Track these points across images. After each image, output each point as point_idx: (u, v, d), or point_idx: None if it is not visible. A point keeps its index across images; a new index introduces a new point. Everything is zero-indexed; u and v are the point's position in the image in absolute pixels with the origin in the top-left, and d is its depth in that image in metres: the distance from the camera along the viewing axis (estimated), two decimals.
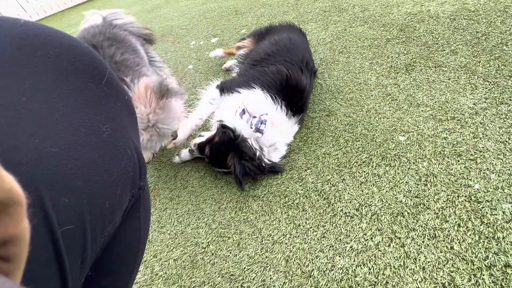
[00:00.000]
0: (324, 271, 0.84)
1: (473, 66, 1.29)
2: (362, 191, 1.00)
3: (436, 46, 1.47)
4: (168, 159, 1.44)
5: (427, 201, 0.91)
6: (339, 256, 0.86)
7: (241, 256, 0.95)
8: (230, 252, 0.97)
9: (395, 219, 0.90)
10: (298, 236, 0.95)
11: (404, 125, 1.16)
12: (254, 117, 1.22)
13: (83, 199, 0.33)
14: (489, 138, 1.01)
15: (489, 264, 0.74)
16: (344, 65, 1.58)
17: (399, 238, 0.85)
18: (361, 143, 1.16)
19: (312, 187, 1.07)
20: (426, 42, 1.52)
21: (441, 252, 0.79)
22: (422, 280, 0.76)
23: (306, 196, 1.05)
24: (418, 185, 0.96)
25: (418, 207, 0.90)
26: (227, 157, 1.17)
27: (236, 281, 0.89)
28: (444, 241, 0.81)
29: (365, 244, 0.87)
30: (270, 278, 0.87)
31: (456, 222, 0.84)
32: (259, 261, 0.92)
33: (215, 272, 0.93)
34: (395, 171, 1.02)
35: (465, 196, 0.89)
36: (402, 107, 1.24)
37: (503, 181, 0.89)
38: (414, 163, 1.03)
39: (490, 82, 1.20)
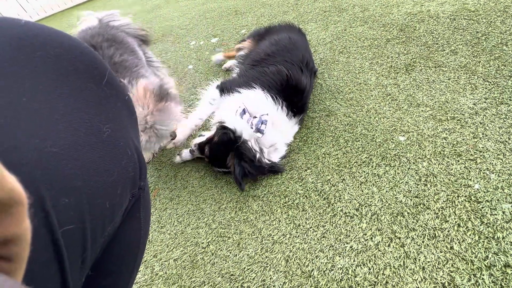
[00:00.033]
0: (324, 271, 0.84)
1: (473, 66, 1.29)
2: (362, 191, 1.00)
3: (436, 46, 1.47)
4: (168, 159, 1.45)
5: (427, 201, 0.91)
6: (339, 256, 0.86)
7: (241, 256, 0.95)
8: (230, 252, 0.97)
9: (395, 219, 0.90)
10: (298, 236, 0.95)
11: (404, 125, 1.16)
12: (255, 117, 1.22)
13: (83, 199, 0.33)
14: (489, 138, 1.01)
15: (489, 264, 0.74)
16: (344, 65, 1.58)
17: (399, 238, 0.85)
18: (361, 143, 1.16)
19: (312, 187, 1.07)
20: (426, 42, 1.52)
21: (441, 252, 0.79)
22: (422, 280, 0.76)
23: (306, 196, 1.05)
24: (418, 185, 0.96)
25: (418, 207, 0.90)
26: (227, 157, 1.17)
27: (236, 281, 0.89)
28: (444, 241, 0.81)
29: (365, 244, 0.87)
30: (270, 278, 0.87)
31: (456, 222, 0.84)
32: (259, 261, 0.92)
33: (215, 272, 0.93)
34: (395, 171, 1.02)
35: (465, 196, 0.89)
36: (402, 107, 1.24)
37: (503, 181, 0.89)
38: (414, 163, 1.03)
39: (490, 82, 1.20)
